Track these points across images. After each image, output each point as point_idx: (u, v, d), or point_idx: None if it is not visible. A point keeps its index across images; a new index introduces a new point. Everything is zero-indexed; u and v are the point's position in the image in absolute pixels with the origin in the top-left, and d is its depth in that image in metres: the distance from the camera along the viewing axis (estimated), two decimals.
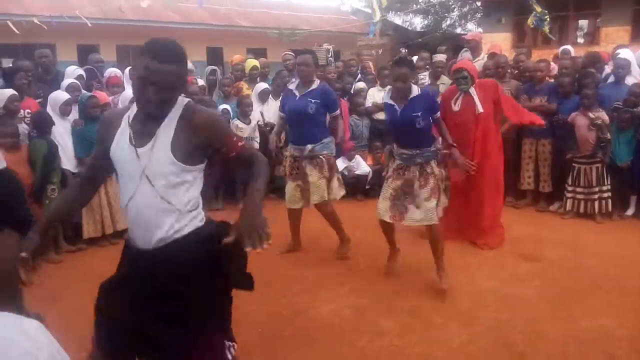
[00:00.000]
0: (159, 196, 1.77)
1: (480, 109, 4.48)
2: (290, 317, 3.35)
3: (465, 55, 6.55)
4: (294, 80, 4.62)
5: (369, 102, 6.61)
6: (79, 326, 3.03)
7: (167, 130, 1.77)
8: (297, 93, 4.24)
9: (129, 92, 5.22)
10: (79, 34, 12.69)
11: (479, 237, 4.63)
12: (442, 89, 6.51)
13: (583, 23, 16.32)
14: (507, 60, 6.18)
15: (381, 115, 6.50)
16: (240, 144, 1.89)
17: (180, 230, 1.82)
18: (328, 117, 4.33)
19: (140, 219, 1.81)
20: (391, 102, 3.68)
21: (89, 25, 10.66)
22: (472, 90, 4.49)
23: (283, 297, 3.66)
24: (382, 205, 3.78)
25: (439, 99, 4.44)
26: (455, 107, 4.52)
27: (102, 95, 5.21)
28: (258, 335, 3.17)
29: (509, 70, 6.08)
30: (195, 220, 1.87)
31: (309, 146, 4.19)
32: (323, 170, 4.20)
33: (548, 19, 9.40)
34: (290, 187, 4.34)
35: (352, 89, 6.81)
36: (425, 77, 6.84)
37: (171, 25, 15.00)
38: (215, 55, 14.78)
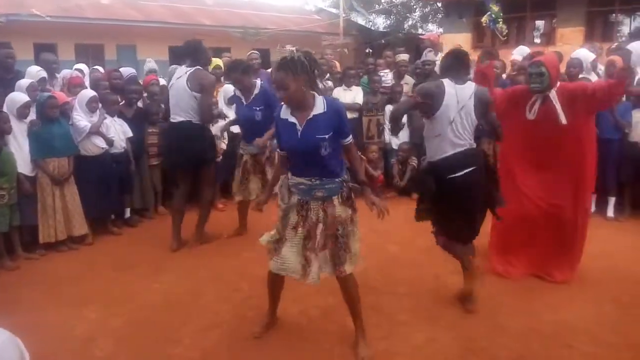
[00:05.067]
0: None
1: (563, 119, 3.62)
2: (257, 318, 3.33)
3: (429, 55, 6.66)
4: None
5: None
6: (39, 334, 2.95)
7: None
8: (243, 100, 4.62)
9: (87, 92, 5.07)
10: (35, 32, 12.29)
11: (557, 271, 3.89)
12: (405, 89, 6.61)
13: (540, 24, 16.83)
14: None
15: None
16: None
17: None
18: None
19: None
20: (291, 118, 2.75)
21: (46, 20, 10.31)
22: (553, 94, 3.67)
23: (250, 298, 3.64)
24: (291, 258, 2.85)
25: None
26: (530, 115, 3.75)
27: (61, 95, 5.04)
28: (224, 337, 3.14)
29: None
30: None
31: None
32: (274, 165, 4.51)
33: (501, 20, 9.62)
34: (253, 180, 4.72)
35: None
36: (386, 75, 6.92)
37: (132, 23, 14.70)
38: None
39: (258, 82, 4.67)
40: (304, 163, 2.78)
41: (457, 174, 3.23)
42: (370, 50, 14.60)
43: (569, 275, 3.84)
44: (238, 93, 4.68)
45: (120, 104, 5.49)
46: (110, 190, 5.10)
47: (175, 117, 4.50)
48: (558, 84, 3.74)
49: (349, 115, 6.48)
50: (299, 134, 2.72)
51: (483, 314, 3.37)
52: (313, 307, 3.49)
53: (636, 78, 5.54)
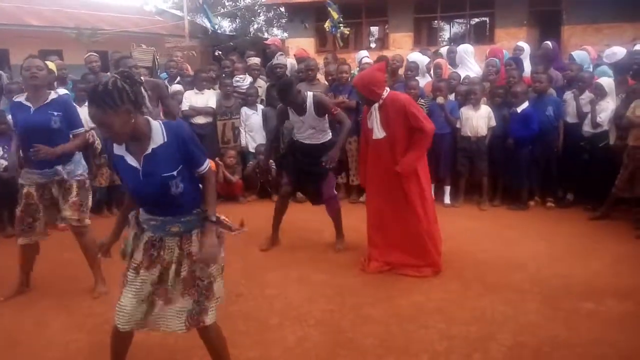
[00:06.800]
0: None
1: (377, 134, 3.98)
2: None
3: (280, 58, 6.77)
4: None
5: (185, 106, 6.39)
6: None
7: None
8: (30, 105, 3.55)
9: None
10: None
11: (411, 266, 4.02)
12: (259, 92, 6.64)
13: (374, 29, 18.19)
14: (317, 64, 6.57)
15: (199, 120, 6.37)
16: None
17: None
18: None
19: None
20: (127, 156, 2.27)
21: None
22: (375, 108, 3.98)
23: (107, 323, 3.33)
24: (129, 306, 2.35)
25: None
26: (369, 123, 4.07)
27: None
28: None
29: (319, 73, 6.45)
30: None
31: (59, 168, 3.57)
32: (71, 196, 3.64)
33: (342, 26, 10.16)
34: (42, 220, 3.67)
35: (168, 91, 6.54)
36: (243, 80, 6.87)
37: None
38: None
39: (61, 91, 3.77)
40: (152, 204, 2.34)
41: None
42: (220, 53, 14.39)
43: (434, 269, 3.99)
44: (21, 98, 3.62)
45: None
46: None
47: None
48: (386, 93, 3.93)
49: (203, 119, 6.37)
50: (140, 174, 2.24)
51: (348, 306, 3.52)
52: None
53: (462, 76, 6.29)
